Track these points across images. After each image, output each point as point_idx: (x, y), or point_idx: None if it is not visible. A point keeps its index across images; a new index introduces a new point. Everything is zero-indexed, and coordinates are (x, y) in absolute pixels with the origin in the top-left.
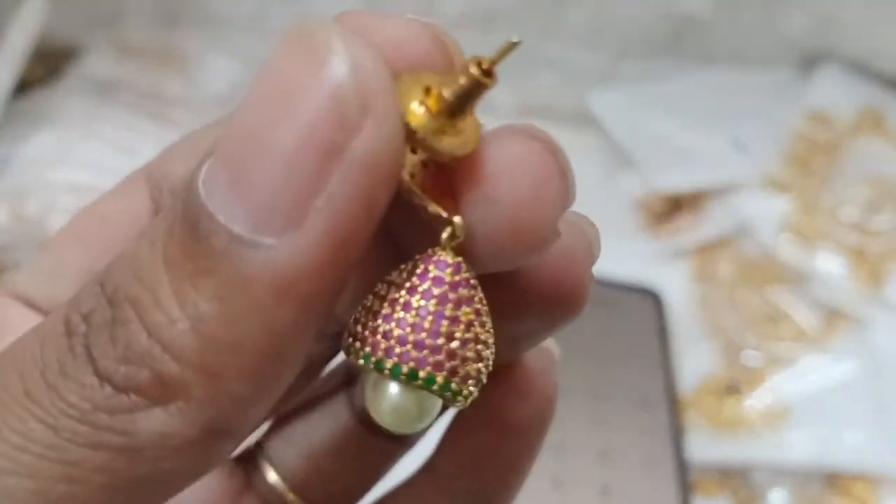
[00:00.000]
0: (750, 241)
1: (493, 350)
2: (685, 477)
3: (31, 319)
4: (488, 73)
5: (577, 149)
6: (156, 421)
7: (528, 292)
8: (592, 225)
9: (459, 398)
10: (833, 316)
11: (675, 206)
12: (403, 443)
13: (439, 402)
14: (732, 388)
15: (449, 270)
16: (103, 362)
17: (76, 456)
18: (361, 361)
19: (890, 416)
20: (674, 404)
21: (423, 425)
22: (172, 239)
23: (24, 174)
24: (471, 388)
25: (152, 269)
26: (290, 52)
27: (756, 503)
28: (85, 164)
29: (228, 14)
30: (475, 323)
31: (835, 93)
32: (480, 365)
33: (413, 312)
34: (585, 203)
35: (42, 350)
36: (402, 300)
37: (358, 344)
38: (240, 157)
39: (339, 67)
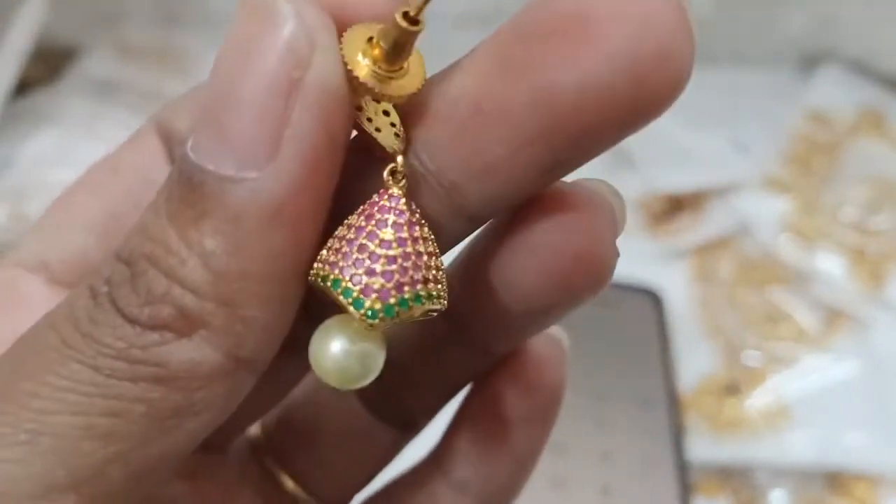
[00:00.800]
0: (750, 241)
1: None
2: (685, 477)
3: (42, 289)
4: (414, 22)
5: None
6: (184, 350)
7: (548, 264)
8: (618, 195)
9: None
10: (833, 316)
11: (675, 206)
12: (409, 431)
13: (380, 360)
14: (733, 388)
15: (385, 200)
16: (129, 308)
17: (117, 390)
18: (313, 280)
19: (890, 415)
20: (674, 404)
21: (367, 381)
22: (172, 199)
23: (25, 174)
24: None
25: (159, 227)
26: (244, 19)
27: (757, 503)
28: (86, 165)
29: (228, 14)
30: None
31: (835, 93)
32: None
33: (359, 246)
34: None
35: (71, 310)
36: (352, 238)
37: (319, 265)
38: (216, 112)
39: (287, 20)
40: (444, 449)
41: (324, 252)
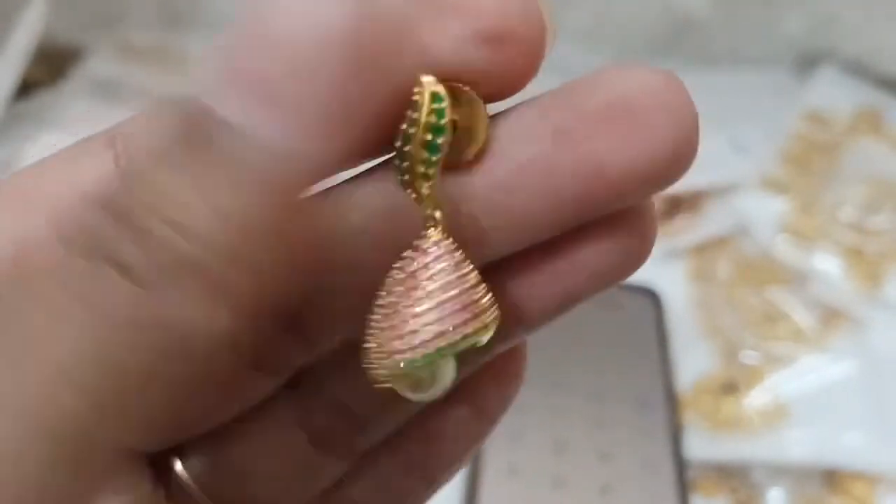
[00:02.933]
0: (748, 241)
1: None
2: (684, 476)
3: None
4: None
5: None
6: (190, 307)
7: None
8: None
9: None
10: (831, 316)
11: (673, 206)
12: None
13: (451, 370)
14: (731, 388)
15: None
16: (138, 270)
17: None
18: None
19: (888, 415)
20: (672, 404)
21: (438, 391)
22: (180, 155)
23: None
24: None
25: (170, 180)
26: None
27: (755, 502)
28: None
29: (230, 15)
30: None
31: (833, 93)
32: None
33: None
34: None
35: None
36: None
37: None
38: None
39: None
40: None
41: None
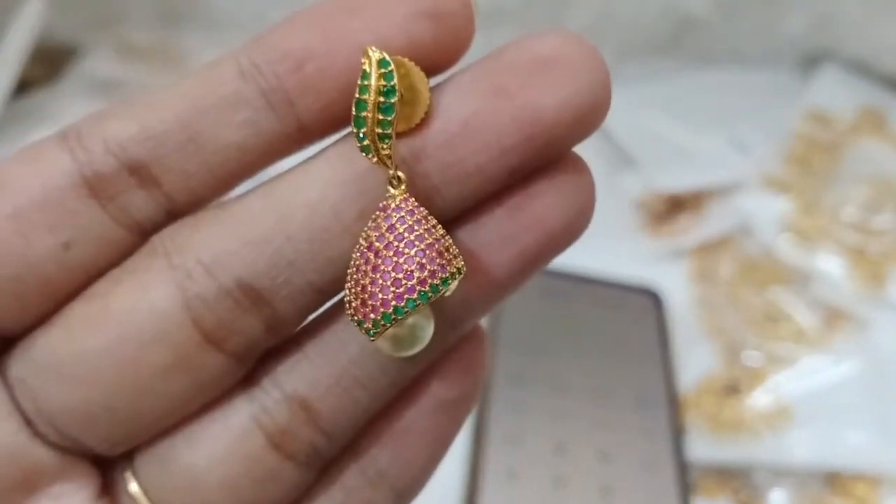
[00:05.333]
0: (750, 241)
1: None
2: (685, 477)
3: None
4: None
5: (576, 149)
6: None
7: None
8: None
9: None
10: (833, 316)
11: (675, 206)
12: (319, 471)
13: (429, 327)
14: (733, 389)
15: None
16: None
17: None
18: (362, 332)
19: (891, 415)
20: (674, 404)
21: (418, 348)
22: None
23: None
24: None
25: None
26: None
27: (756, 503)
28: None
29: (230, 14)
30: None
31: (835, 93)
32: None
33: (389, 265)
34: None
35: None
36: (372, 261)
37: (352, 314)
38: None
39: None
40: (357, 441)
41: (353, 297)
